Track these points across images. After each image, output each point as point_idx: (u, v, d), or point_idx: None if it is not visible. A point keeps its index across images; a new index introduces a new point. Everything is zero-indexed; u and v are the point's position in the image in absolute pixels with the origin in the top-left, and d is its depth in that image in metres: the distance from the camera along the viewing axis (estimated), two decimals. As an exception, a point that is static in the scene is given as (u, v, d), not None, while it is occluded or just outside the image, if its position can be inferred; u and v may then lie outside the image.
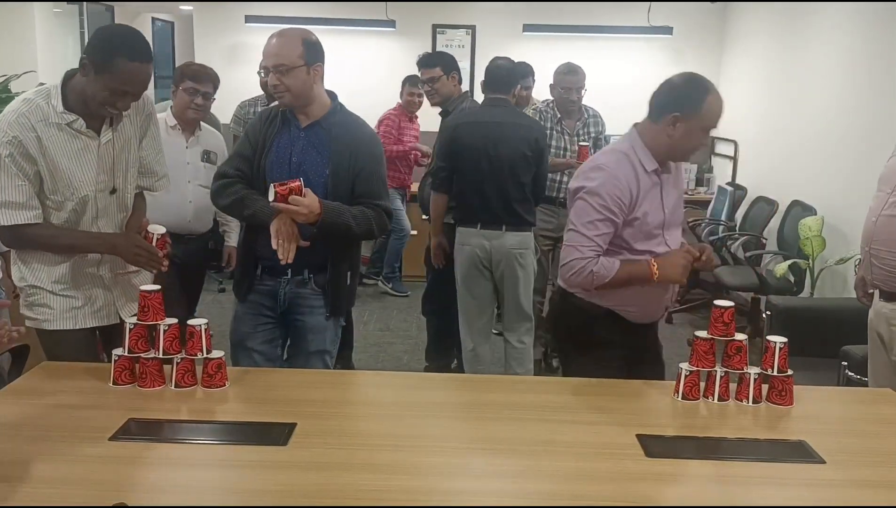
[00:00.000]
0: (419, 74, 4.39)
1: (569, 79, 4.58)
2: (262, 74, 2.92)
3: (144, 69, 2.36)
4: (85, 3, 7.33)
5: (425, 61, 4.31)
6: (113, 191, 2.57)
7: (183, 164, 3.57)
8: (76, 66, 2.40)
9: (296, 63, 2.63)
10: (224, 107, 4.71)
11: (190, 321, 2.29)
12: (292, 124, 2.76)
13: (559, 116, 4.66)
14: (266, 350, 2.85)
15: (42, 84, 2.48)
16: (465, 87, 6.90)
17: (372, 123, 4.78)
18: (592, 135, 4.69)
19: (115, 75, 2.31)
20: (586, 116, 4.73)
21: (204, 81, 3.62)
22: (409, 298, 6.30)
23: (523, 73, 4.84)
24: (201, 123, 3.71)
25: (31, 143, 2.36)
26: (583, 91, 4.62)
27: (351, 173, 2.72)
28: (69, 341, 2.57)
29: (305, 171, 2.70)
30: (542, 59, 7.38)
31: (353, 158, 2.72)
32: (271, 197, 2.53)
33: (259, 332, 2.84)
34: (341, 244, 2.77)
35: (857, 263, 3.08)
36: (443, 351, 4.55)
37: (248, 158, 2.77)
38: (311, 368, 2.81)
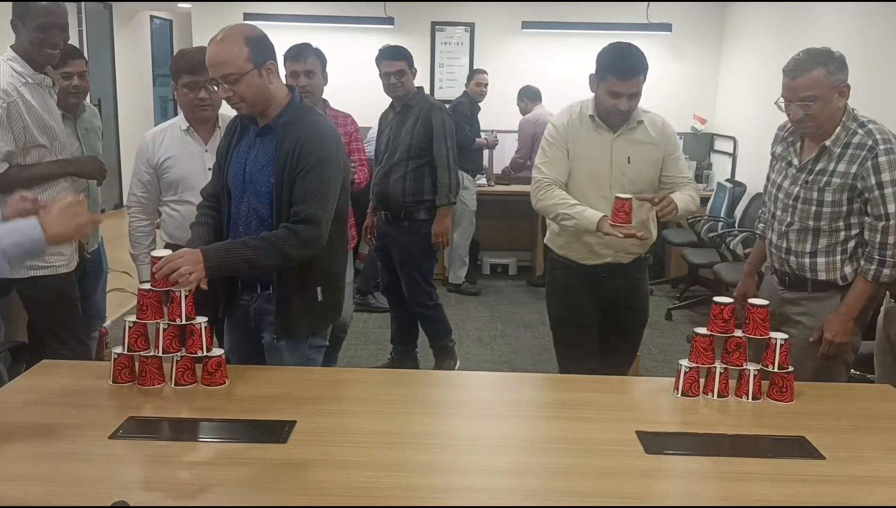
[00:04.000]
0: (381, 66, 4.16)
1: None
2: (214, 88, 2.62)
3: (60, 3, 2.93)
4: (83, 1, 7.32)
5: (392, 53, 4.16)
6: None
7: (203, 171, 2.98)
8: None
9: (244, 68, 2.32)
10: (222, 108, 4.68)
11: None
12: (250, 129, 2.52)
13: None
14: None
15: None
16: (461, 84, 6.92)
17: (370, 121, 4.76)
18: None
19: (36, 13, 2.87)
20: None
21: (203, 69, 2.73)
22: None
23: None
24: (220, 117, 3.13)
25: (21, 103, 2.90)
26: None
27: (292, 178, 2.39)
28: (71, 282, 3.07)
29: (255, 181, 2.46)
30: (541, 56, 7.44)
31: (296, 159, 2.38)
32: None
33: (240, 348, 2.66)
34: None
35: None
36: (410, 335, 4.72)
37: (218, 173, 2.61)
38: None
